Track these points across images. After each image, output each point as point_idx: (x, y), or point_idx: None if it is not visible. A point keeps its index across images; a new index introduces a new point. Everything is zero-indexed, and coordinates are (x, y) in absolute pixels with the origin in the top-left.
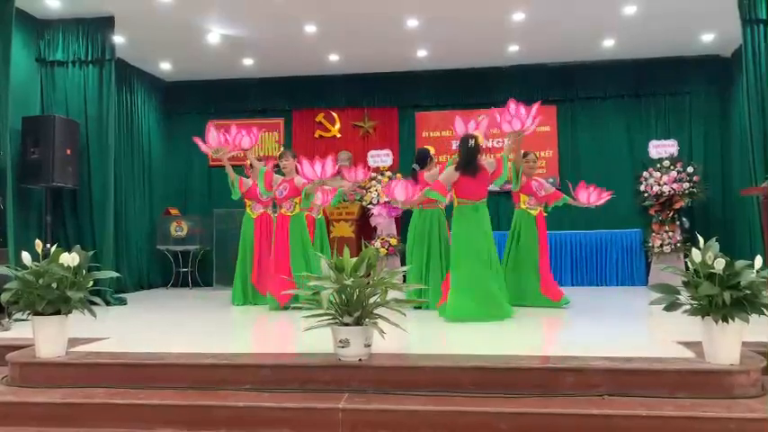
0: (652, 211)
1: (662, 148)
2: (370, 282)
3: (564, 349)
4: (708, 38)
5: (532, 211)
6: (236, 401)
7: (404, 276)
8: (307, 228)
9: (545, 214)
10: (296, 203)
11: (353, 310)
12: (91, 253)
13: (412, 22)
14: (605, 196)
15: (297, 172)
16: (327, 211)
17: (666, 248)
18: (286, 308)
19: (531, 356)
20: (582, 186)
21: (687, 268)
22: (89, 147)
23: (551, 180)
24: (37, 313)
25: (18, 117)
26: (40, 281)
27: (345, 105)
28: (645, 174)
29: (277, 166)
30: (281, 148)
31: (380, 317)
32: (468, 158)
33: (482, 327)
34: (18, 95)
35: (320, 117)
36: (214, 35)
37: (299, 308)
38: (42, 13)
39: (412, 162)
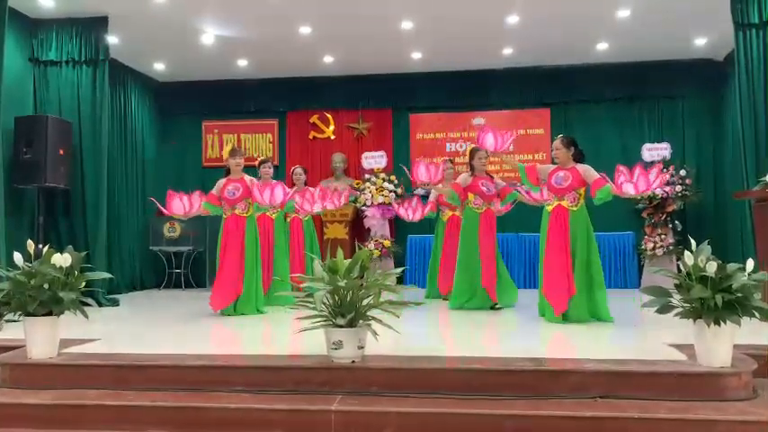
0: (645, 214)
1: (655, 152)
2: (364, 284)
3: (557, 352)
4: (701, 42)
5: (548, 207)
6: (228, 403)
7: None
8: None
9: (571, 209)
10: (250, 204)
11: (347, 311)
12: (83, 254)
13: (407, 24)
14: (657, 177)
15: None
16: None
17: (659, 251)
18: (225, 313)
19: (524, 359)
20: (623, 172)
21: (679, 271)
22: (82, 147)
23: None
24: (28, 314)
25: (11, 117)
26: (32, 282)
27: (340, 107)
28: None
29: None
30: (233, 147)
31: (374, 319)
32: None
33: (476, 329)
34: (11, 95)
35: (314, 118)
36: (208, 36)
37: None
38: (35, 13)
39: (406, 164)
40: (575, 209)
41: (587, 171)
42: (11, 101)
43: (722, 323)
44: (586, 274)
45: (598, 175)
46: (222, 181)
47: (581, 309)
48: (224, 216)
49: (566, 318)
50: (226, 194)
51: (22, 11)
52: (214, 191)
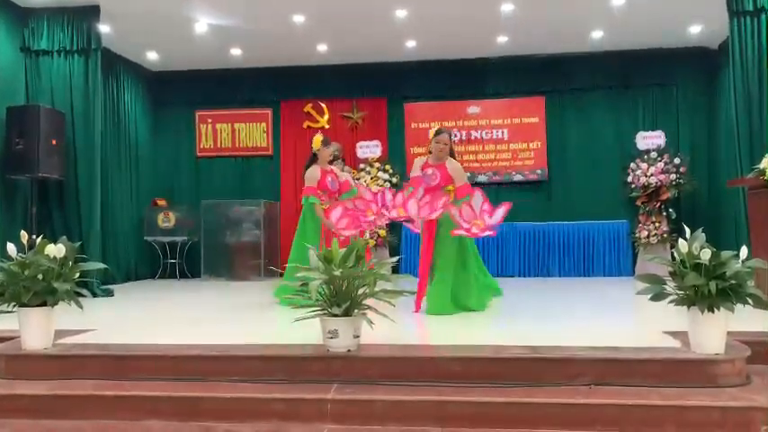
0: (639, 203)
1: (649, 140)
2: (359, 273)
3: (551, 339)
4: (695, 30)
5: None
6: (224, 393)
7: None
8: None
9: None
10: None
11: (342, 301)
12: (77, 244)
13: (401, 12)
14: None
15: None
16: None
17: (653, 239)
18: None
19: (519, 346)
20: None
21: (674, 259)
22: (75, 137)
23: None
24: (23, 305)
25: (2, 107)
26: (26, 272)
27: (334, 96)
28: (632, 165)
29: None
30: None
31: (369, 308)
32: None
33: (470, 317)
34: (2, 85)
35: (308, 108)
36: (201, 24)
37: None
38: (26, 2)
39: (400, 153)
40: None
41: (457, 171)
42: (2, 91)
43: (716, 310)
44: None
45: (466, 181)
46: (317, 170)
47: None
48: (322, 206)
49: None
50: (327, 185)
51: (12, 0)
52: (312, 183)
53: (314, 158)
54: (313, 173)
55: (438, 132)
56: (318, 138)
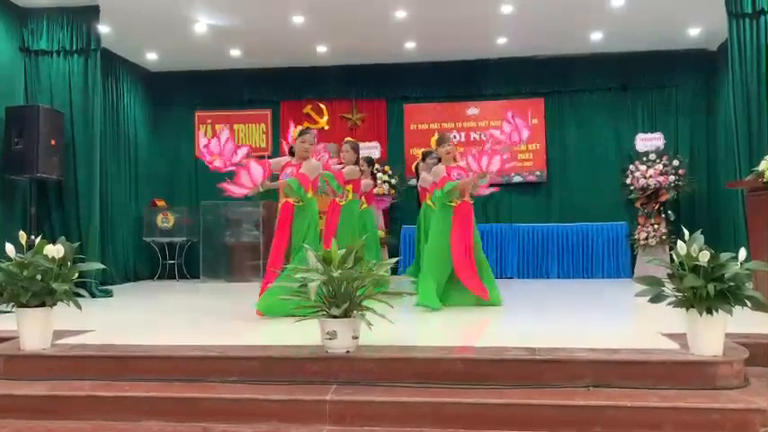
0: (638, 204)
1: (648, 142)
2: (358, 274)
3: (550, 341)
4: (694, 32)
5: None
6: (223, 393)
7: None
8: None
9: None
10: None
11: (341, 302)
12: (76, 245)
13: (400, 14)
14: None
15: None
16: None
17: (652, 241)
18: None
19: (518, 348)
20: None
21: (672, 260)
22: (74, 138)
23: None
24: (21, 305)
25: (2, 107)
26: (25, 273)
27: (333, 97)
28: (631, 167)
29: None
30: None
31: (368, 309)
32: None
33: (469, 318)
34: (1, 85)
35: (308, 109)
36: (201, 25)
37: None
38: (26, 2)
39: (400, 154)
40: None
41: (308, 168)
42: (2, 91)
43: (714, 312)
44: None
45: (310, 176)
46: (441, 167)
47: None
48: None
49: None
50: (454, 179)
51: (11, 0)
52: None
53: (438, 159)
54: (438, 170)
55: (302, 132)
56: (434, 138)
